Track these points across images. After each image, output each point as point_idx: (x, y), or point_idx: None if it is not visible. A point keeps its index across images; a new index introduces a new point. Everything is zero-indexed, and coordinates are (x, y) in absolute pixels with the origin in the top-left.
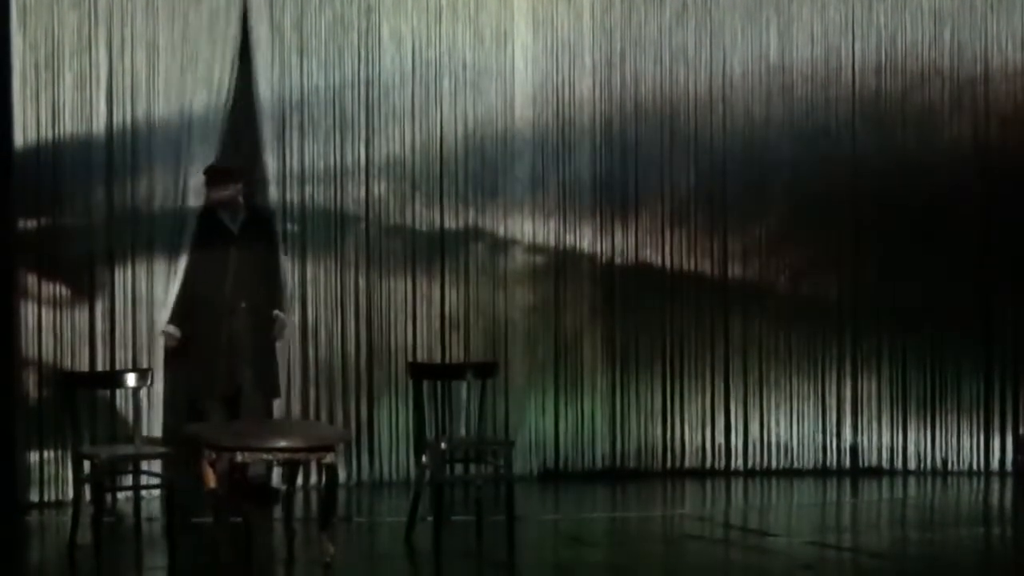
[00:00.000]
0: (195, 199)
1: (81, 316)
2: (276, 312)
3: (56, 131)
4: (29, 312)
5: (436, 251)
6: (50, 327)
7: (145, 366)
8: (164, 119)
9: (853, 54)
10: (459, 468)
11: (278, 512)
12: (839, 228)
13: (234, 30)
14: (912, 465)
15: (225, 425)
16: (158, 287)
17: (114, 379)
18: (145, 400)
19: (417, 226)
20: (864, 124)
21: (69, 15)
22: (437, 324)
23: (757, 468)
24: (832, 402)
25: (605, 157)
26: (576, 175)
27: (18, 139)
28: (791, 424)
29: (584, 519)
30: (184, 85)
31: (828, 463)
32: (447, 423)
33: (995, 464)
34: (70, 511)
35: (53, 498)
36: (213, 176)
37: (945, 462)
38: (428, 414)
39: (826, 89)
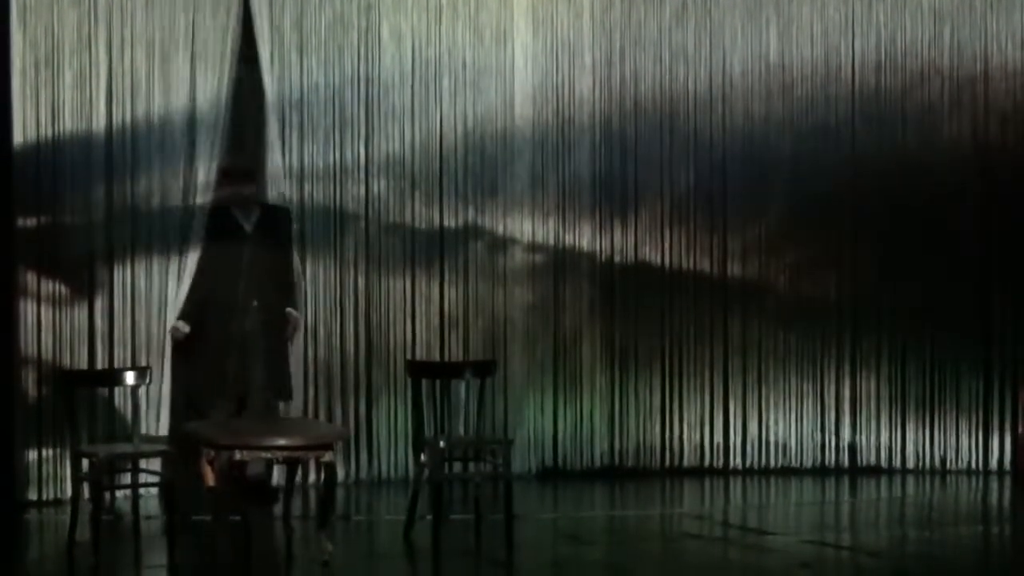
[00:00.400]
0: (196, 197)
1: (80, 314)
2: (289, 310)
3: (56, 129)
4: (28, 310)
5: (435, 249)
6: (49, 325)
7: (144, 364)
8: (164, 117)
9: (853, 53)
10: (458, 466)
11: (277, 510)
12: (838, 227)
13: (234, 28)
14: (911, 464)
15: (224, 423)
16: (158, 286)
17: (113, 377)
18: (144, 398)
19: (416, 224)
20: (864, 123)
21: (69, 13)
22: (436, 322)
23: (756, 467)
24: (831, 401)
25: (604, 156)
26: (576, 174)
27: (17, 137)
28: (790, 423)
29: (583, 518)
30: (184, 83)
31: (827, 462)
32: (446, 422)
33: (994, 463)
34: (69, 509)
35: (52, 496)
36: (235, 175)
37: (944, 461)
38: (427, 412)
39: (826, 88)
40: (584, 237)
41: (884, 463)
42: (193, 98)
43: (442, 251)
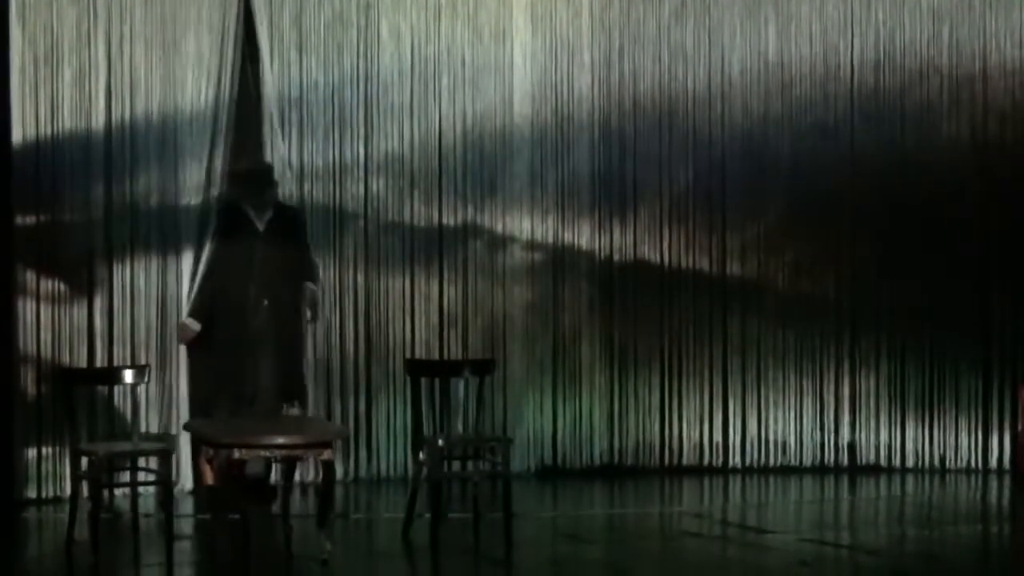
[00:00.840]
0: (201, 194)
1: (79, 312)
2: (307, 283)
3: (55, 127)
4: (27, 308)
5: (434, 248)
6: (49, 323)
7: (144, 362)
8: (163, 115)
9: (852, 51)
10: (457, 465)
11: (276, 508)
12: (837, 226)
13: (233, 26)
14: (910, 463)
15: (223, 421)
16: (158, 284)
17: (112, 376)
18: (143, 396)
19: (415, 223)
20: (862, 121)
21: (68, 11)
22: (435, 321)
23: (755, 465)
24: (830, 400)
25: (603, 154)
26: (574, 172)
27: (17, 135)
28: (789, 421)
29: (582, 516)
30: (183, 81)
31: (826, 460)
32: (445, 420)
33: (993, 462)
34: (68, 507)
35: (51, 494)
36: (257, 176)
37: (943, 460)
38: (426, 411)
39: (825, 86)
40: (583, 235)
41: (883, 462)
42: (192, 96)
43: (441, 249)
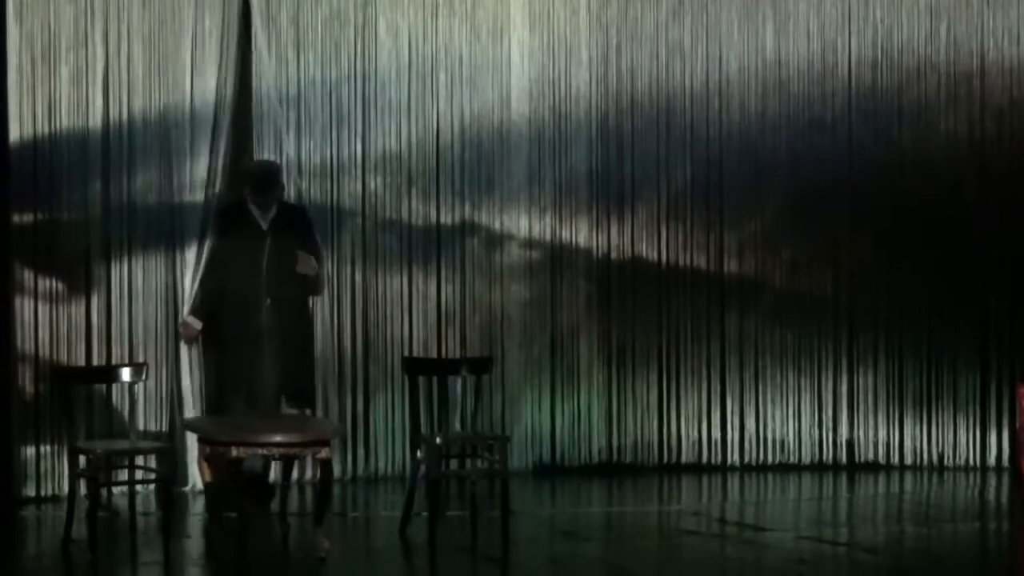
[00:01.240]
0: (200, 191)
1: (77, 311)
2: (300, 253)
3: (52, 125)
4: (25, 307)
5: (432, 246)
6: (46, 322)
7: (141, 360)
8: (160, 113)
9: (849, 49)
10: (454, 463)
11: (275, 506)
12: (835, 223)
13: (231, 24)
14: (908, 460)
15: (221, 420)
16: (155, 282)
17: (110, 374)
18: (141, 395)
19: (413, 221)
20: (860, 119)
21: (66, 9)
22: (433, 319)
23: (753, 463)
24: (828, 397)
25: (601, 152)
26: (572, 170)
27: (14, 133)
28: (787, 419)
29: (580, 514)
30: (181, 79)
31: (824, 458)
32: (443, 418)
33: (991, 459)
34: (65, 505)
35: (49, 493)
36: (269, 175)
37: (941, 457)
38: (423, 409)
39: (822, 84)
40: (581, 233)
41: (882, 459)
42: (190, 94)
43: (439, 247)
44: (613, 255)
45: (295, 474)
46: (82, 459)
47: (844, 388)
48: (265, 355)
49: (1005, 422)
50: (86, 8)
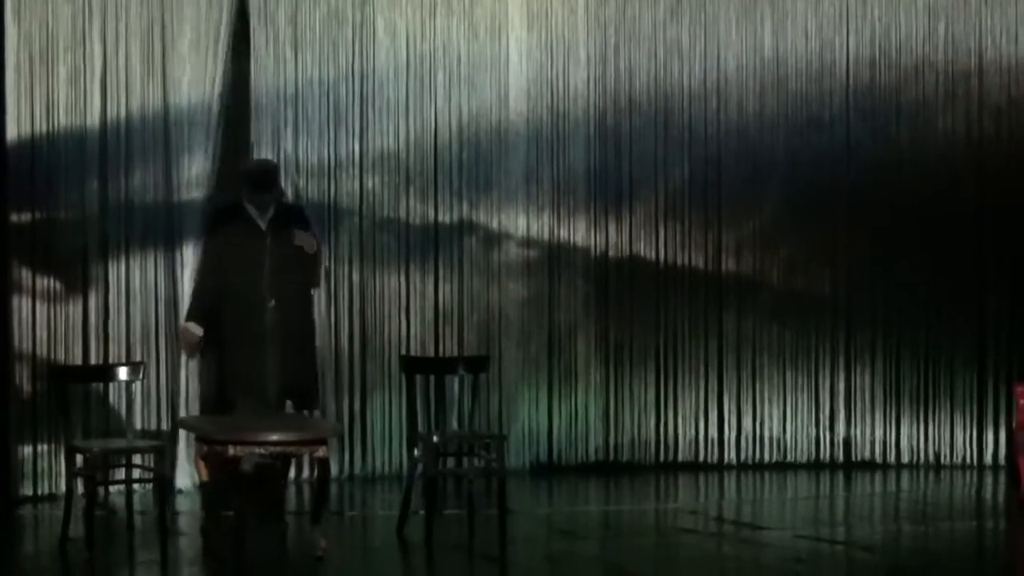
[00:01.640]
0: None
1: (74, 310)
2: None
3: (50, 125)
4: (23, 305)
5: (430, 245)
6: (43, 321)
7: (139, 359)
8: (158, 113)
9: (847, 48)
10: (451, 462)
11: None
12: (832, 222)
13: (229, 24)
14: (905, 459)
15: (218, 419)
16: (152, 281)
17: (107, 373)
18: (138, 393)
19: (411, 220)
20: (858, 118)
21: (63, 8)
22: (430, 318)
23: (750, 462)
24: (825, 396)
25: (599, 151)
26: (570, 169)
27: (11, 132)
28: (784, 418)
29: (577, 513)
30: (178, 79)
31: (821, 457)
32: (440, 417)
33: (988, 458)
34: (63, 504)
35: (46, 491)
36: (267, 174)
37: (938, 456)
38: (421, 408)
39: (820, 83)
40: (578, 232)
41: (879, 458)
42: (187, 93)
43: (436, 246)
44: (611, 254)
45: (292, 473)
46: (79, 458)
47: (841, 387)
48: (269, 355)
49: (1002, 421)
50: (84, 8)
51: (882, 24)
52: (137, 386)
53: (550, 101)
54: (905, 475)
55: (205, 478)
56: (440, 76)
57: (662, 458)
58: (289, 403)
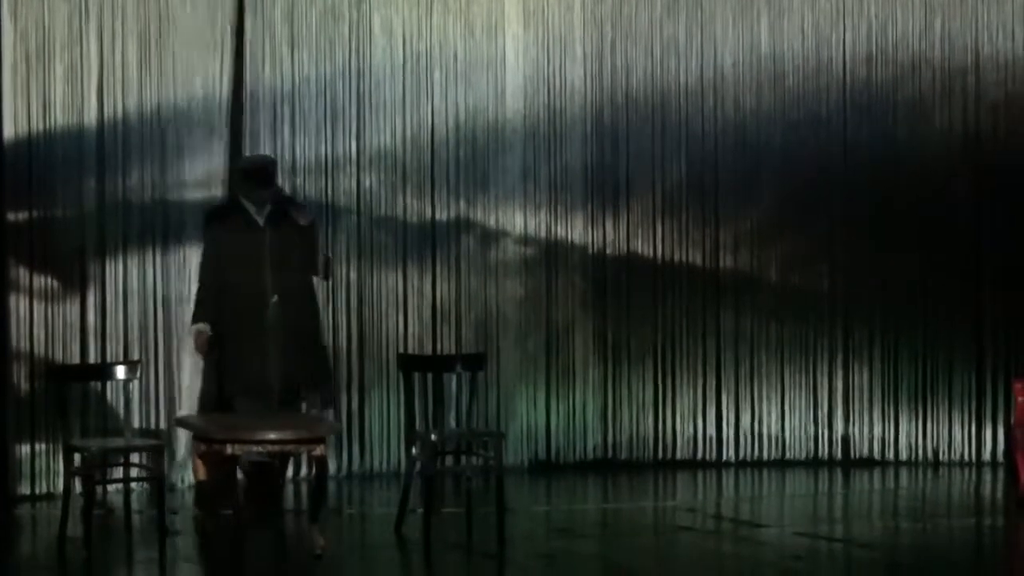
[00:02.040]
0: (189, 191)
1: (72, 309)
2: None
3: (47, 123)
4: (20, 304)
5: (427, 243)
6: (41, 320)
7: (136, 358)
8: (155, 111)
9: (844, 44)
10: (449, 460)
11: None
12: (829, 219)
13: (226, 21)
14: (903, 456)
15: (216, 417)
16: (150, 280)
17: (104, 372)
18: (136, 392)
19: (408, 218)
20: (855, 114)
21: (60, 6)
22: (428, 316)
23: (748, 459)
24: (824, 393)
25: (596, 148)
26: (567, 166)
27: (8, 131)
28: (783, 415)
29: (575, 511)
30: (175, 77)
31: (820, 454)
32: (438, 415)
33: (986, 455)
34: (60, 504)
35: (43, 491)
36: (265, 170)
37: (936, 453)
38: (418, 406)
39: (817, 79)
40: (576, 230)
41: (877, 455)
42: (185, 91)
43: (434, 244)
44: (608, 251)
45: (290, 471)
46: (77, 457)
47: (839, 384)
48: (273, 352)
49: (1000, 417)
50: (80, 5)
51: (878, 20)
52: (135, 385)
53: (547, 99)
54: (903, 472)
55: (202, 476)
56: (437, 74)
57: (660, 456)
58: (305, 402)
